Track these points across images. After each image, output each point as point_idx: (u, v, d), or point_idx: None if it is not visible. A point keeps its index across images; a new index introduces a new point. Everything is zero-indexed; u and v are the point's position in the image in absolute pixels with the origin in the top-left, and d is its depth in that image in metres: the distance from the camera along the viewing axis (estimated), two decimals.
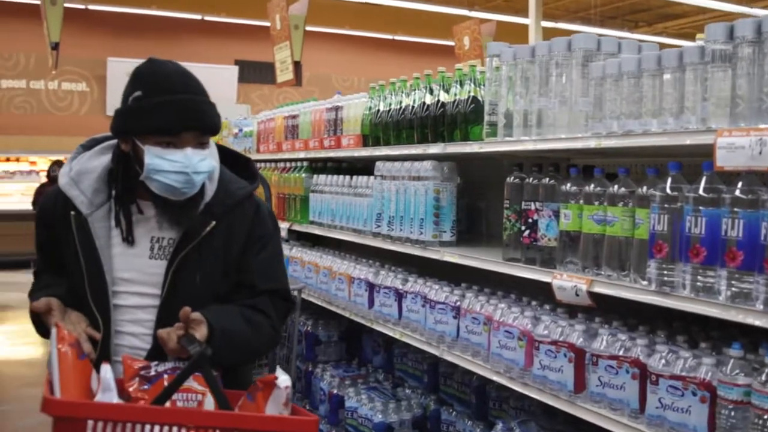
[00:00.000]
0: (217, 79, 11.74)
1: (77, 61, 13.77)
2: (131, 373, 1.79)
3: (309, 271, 4.15)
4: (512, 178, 2.61)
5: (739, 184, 1.81)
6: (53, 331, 1.76)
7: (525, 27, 12.14)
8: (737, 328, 2.12)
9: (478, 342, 2.74)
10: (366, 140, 3.69)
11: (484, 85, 2.87)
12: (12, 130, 13.43)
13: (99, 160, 2.03)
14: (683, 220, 1.93)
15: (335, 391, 3.76)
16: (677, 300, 1.96)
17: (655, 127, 2.08)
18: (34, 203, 9.69)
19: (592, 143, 2.27)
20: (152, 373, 1.80)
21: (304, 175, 4.35)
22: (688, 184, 1.97)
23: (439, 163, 3.07)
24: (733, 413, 1.80)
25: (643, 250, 2.08)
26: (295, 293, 3.08)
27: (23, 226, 11.09)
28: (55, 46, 9.75)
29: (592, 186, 2.28)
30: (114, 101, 14.40)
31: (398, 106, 3.40)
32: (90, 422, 1.56)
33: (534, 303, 2.67)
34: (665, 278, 1.99)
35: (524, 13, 12.31)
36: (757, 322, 1.75)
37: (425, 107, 3.19)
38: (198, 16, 14.47)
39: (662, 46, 2.32)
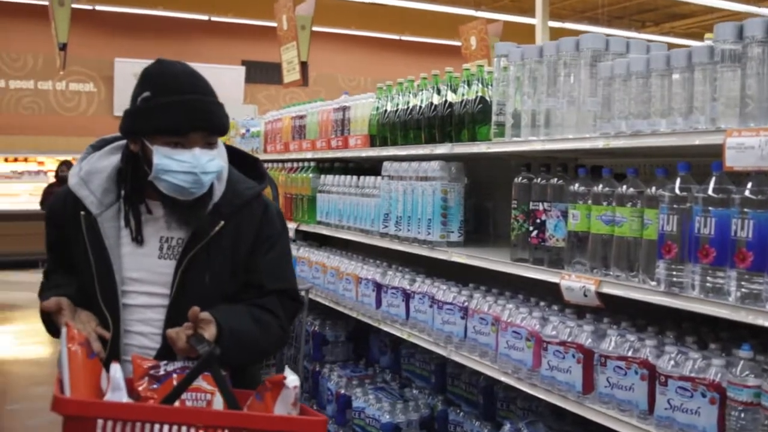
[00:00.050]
0: (224, 80, 11.77)
1: (84, 61, 13.82)
2: (140, 373, 1.80)
3: (316, 272, 4.15)
4: (520, 178, 2.61)
5: (749, 185, 1.80)
6: (63, 330, 1.77)
7: (532, 27, 12.13)
8: (747, 329, 2.11)
9: (485, 342, 2.74)
10: (373, 140, 3.70)
11: (491, 85, 2.87)
12: (20, 131, 13.49)
13: (108, 161, 2.04)
14: (692, 221, 1.92)
15: (343, 392, 3.76)
16: (686, 301, 1.95)
17: (664, 128, 2.07)
18: (41, 203, 9.72)
19: (600, 143, 2.27)
20: (161, 372, 1.81)
21: (311, 175, 4.35)
22: (698, 184, 1.97)
23: (447, 164, 3.07)
24: (742, 415, 1.79)
25: (652, 250, 2.08)
26: (303, 293, 3.08)
27: (31, 226, 11.14)
28: (63, 47, 9.79)
29: (601, 186, 2.27)
30: (121, 101, 14.53)
31: (406, 107, 3.39)
32: (100, 421, 1.57)
33: (542, 303, 2.66)
34: (674, 279, 1.99)
35: (531, 13, 12.30)
36: (767, 323, 1.74)
37: (433, 107, 3.19)
38: (205, 17, 14.51)
39: (670, 45, 2.32)
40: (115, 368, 1.73)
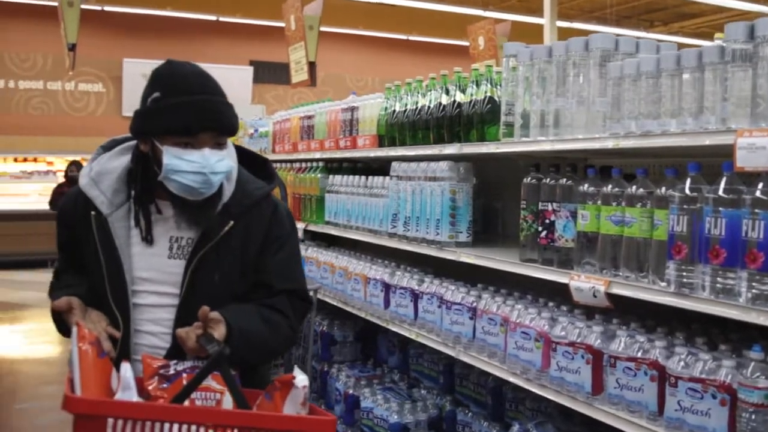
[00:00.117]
0: (232, 80, 11.78)
1: (93, 62, 13.88)
2: (150, 372, 1.81)
3: (325, 272, 4.16)
4: (529, 178, 2.60)
5: (760, 185, 1.79)
6: (74, 329, 1.78)
7: (540, 27, 12.10)
8: (757, 330, 2.10)
9: (494, 343, 2.74)
10: (382, 140, 3.70)
11: (500, 86, 2.87)
12: (29, 131, 13.56)
13: (119, 161, 2.05)
14: (703, 221, 1.91)
15: (351, 392, 3.77)
16: (697, 302, 1.95)
17: (674, 128, 2.06)
18: (51, 203, 9.76)
19: (609, 144, 2.26)
20: (171, 372, 1.82)
21: (319, 175, 4.35)
22: (708, 184, 1.96)
23: (455, 164, 3.07)
24: (753, 416, 1.78)
25: (661, 251, 2.07)
26: (311, 293, 3.08)
27: (40, 225, 11.20)
28: (72, 47, 9.83)
29: (610, 187, 2.27)
30: (130, 102, 14.59)
31: (414, 107, 3.39)
32: (110, 420, 1.58)
33: (551, 304, 2.66)
34: (684, 280, 1.98)
35: (539, 12, 12.27)
36: None
37: (441, 107, 3.19)
38: (213, 17, 14.54)
39: (679, 45, 2.31)
40: (126, 367, 1.74)
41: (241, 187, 2.06)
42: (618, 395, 2.17)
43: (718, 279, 1.88)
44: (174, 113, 1.91)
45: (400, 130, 3.49)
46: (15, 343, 7.73)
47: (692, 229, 1.95)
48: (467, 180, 3.09)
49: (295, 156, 4.83)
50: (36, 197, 12.44)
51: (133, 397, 1.71)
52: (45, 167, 13.36)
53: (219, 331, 1.84)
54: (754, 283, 1.79)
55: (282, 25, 10.08)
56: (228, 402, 1.77)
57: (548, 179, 2.53)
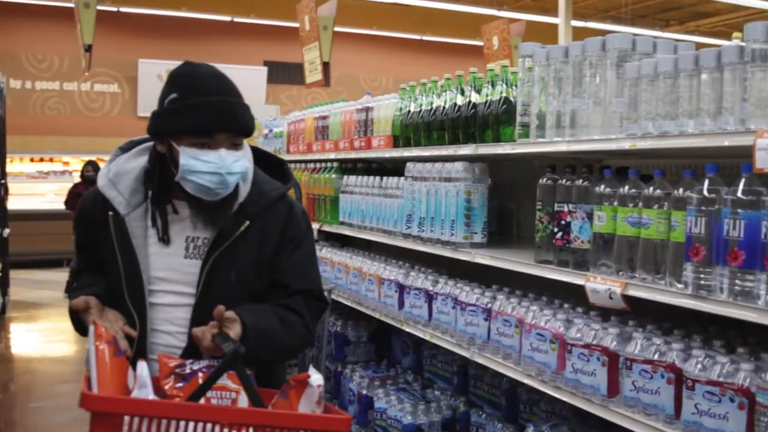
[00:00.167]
0: (247, 80, 11.79)
1: (109, 62, 13.97)
2: (167, 371, 1.81)
3: (339, 272, 4.16)
4: (545, 179, 2.59)
5: None
6: (91, 328, 1.79)
7: (554, 26, 12.06)
8: None
9: (509, 344, 2.73)
10: (396, 141, 3.70)
11: (516, 86, 2.86)
12: (46, 131, 13.67)
13: (136, 162, 2.07)
14: (721, 223, 1.90)
15: (364, 392, 3.77)
16: (714, 304, 1.93)
17: (692, 128, 2.05)
18: (66, 203, 9.82)
19: (626, 144, 2.24)
20: (187, 371, 1.82)
21: (334, 175, 4.36)
22: (726, 186, 1.94)
23: (471, 164, 3.06)
24: None
25: (679, 253, 2.05)
26: (325, 293, 3.09)
27: (56, 225, 11.30)
28: (88, 48, 9.89)
29: (627, 188, 2.25)
30: (145, 102, 14.65)
31: (429, 107, 3.39)
32: (126, 418, 1.59)
33: (566, 306, 2.64)
34: (702, 282, 1.96)
35: (553, 12, 12.23)
36: None
37: (456, 108, 3.18)
38: (227, 18, 14.60)
39: (697, 45, 2.29)
40: (142, 366, 1.75)
41: (257, 188, 2.06)
42: (634, 398, 2.16)
43: (737, 281, 1.86)
44: (191, 114, 1.92)
45: (415, 130, 3.48)
46: (31, 341, 7.79)
47: (710, 230, 1.94)
48: (482, 181, 3.08)
49: (309, 156, 4.84)
50: (52, 197, 12.54)
51: (149, 395, 1.71)
52: (61, 167, 13.47)
53: (234, 330, 1.85)
54: None
55: (296, 25, 10.09)
56: (243, 401, 1.77)
57: (564, 180, 2.51)
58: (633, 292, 2.20)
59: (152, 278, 2.01)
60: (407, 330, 3.46)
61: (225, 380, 1.78)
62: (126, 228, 2.00)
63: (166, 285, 2.02)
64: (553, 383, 2.49)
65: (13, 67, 13.43)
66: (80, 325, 1.98)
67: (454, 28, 14.89)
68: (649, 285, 2.16)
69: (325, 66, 9.22)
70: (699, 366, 1.96)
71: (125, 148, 2.13)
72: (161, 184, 2.02)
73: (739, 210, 1.85)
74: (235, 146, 1.98)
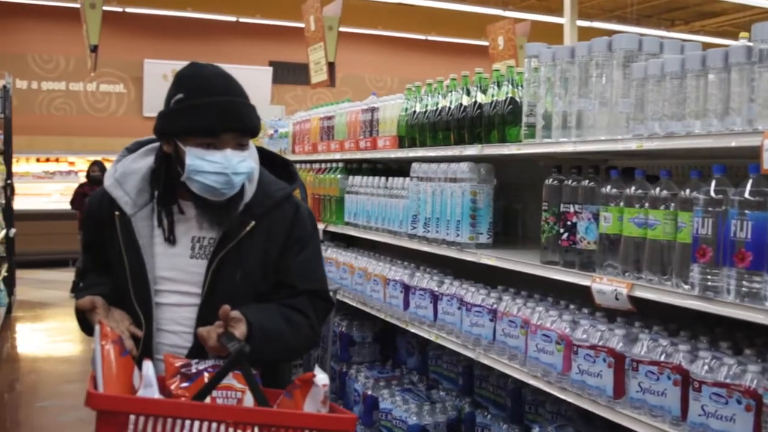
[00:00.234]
0: (252, 80, 11.81)
1: (115, 62, 14.01)
2: (172, 371, 1.82)
3: (344, 272, 4.16)
4: (551, 180, 2.59)
5: None
6: (97, 328, 1.80)
7: (560, 26, 12.04)
8: None
9: (514, 345, 2.72)
10: (402, 141, 3.69)
11: (521, 86, 2.85)
12: (52, 131, 13.72)
13: (143, 162, 2.07)
14: (728, 224, 1.89)
15: (369, 392, 3.76)
16: (721, 306, 1.92)
17: (699, 129, 2.04)
18: (71, 203, 9.84)
19: (633, 145, 2.24)
20: (193, 370, 1.83)
21: (339, 176, 4.36)
22: (734, 187, 1.93)
23: (476, 165, 3.06)
24: None
25: (685, 254, 2.05)
26: (330, 294, 3.09)
27: (62, 225, 11.33)
28: (94, 49, 9.92)
29: (633, 188, 2.25)
30: (150, 102, 14.67)
31: (435, 108, 3.39)
32: (132, 417, 1.59)
33: (572, 306, 2.64)
34: (709, 283, 1.95)
35: (559, 12, 12.21)
36: None
37: (462, 108, 3.18)
38: (233, 18, 14.62)
39: (703, 45, 2.28)
40: (147, 365, 1.75)
41: (262, 188, 2.07)
42: (640, 399, 2.15)
43: (744, 282, 1.86)
44: (197, 114, 1.93)
45: (421, 131, 3.48)
46: (37, 341, 7.82)
47: (717, 231, 1.93)
48: (488, 181, 3.07)
49: (314, 157, 4.84)
50: (58, 197, 12.58)
51: (155, 394, 1.72)
52: (67, 167, 13.51)
53: (240, 330, 1.85)
54: None
55: (301, 25, 10.11)
56: (249, 401, 1.78)
57: (570, 181, 2.51)
58: (639, 293, 2.19)
59: (158, 278, 2.02)
60: (412, 330, 3.46)
61: (230, 380, 1.78)
62: (132, 228, 2.00)
63: (172, 285, 2.03)
64: (558, 384, 2.48)
65: (20, 67, 13.49)
66: (86, 325, 1.98)
67: (459, 28, 14.88)
68: (655, 286, 2.15)
69: (330, 66, 9.23)
70: (706, 367, 1.96)
71: (132, 149, 2.13)
72: (167, 185, 2.02)
73: (746, 211, 1.84)
74: (241, 146, 1.98)
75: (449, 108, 3.27)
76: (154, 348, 2.00)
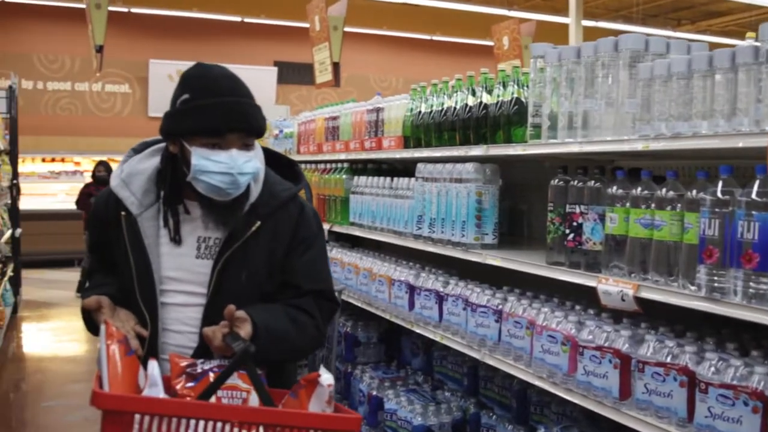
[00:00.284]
0: (256, 80, 11.82)
1: (120, 63, 14.04)
2: (178, 371, 1.82)
3: (349, 273, 4.16)
4: (557, 180, 2.58)
5: None
6: (102, 328, 1.80)
7: (565, 26, 12.03)
8: None
9: (520, 346, 2.72)
10: (407, 142, 3.69)
11: (527, 87, 2.85)
12: (57, 131, 13.76)
13: (149, 162, 2.08)
14: (735, 225, 1.88)
15: (374, 393, 3.76)
16: (728, 307, 1.91)
17: (706, 130, 2.03)
18: (77, 202, 9.87)
19: (639, 146, 2.23)
20: (198, 370, 1.83)
21: (344, 176, 4.36)
22: (740, 187, 1.92)
23: (482, 165, 3.06)
24: None
25: (692, 255, 2.04)
26: (335, 294, 3.10)
27: (67, 225, 11.36)
28: (100, 49, 9.94)
29: (639, 189, 2.24)
30: (155, 102, 14.68)
31: (440, 108, 3.38)
32: (137, 416, 1.59)
33: (578, 307, 2.63)
34: (716, 284, 1.95)
35: (564, 12, 12.20)
36: None
37: (467, 109, 3.17)
38: (238, 18, 14.64)
39: (710, 46, 2.27)
40: (153, 365, 1.75)
41: (268, 188, 2.07)
42: (646, 400, 2.14)
43: (751, 284, 1.85)
44: (202, 114, 1.93)
45: (426, 131, 3.48)
46: (43, 341, 7.84)
47: (724, 232, 1.92)
48: (493, 182, 3.07)
49: (319, 157, 4.84)
50: (63, 197, 12.61)
51: (160, 393, 1.72)
52: (72, 167, 13.54)
53: (245, 330, 1.85)
54: None
55: (306, 25, 10.11)
56: (254, 401, 1.78)
57: (576, 181, 2.50)
58: (646, 294, 2.18)
59: (164, 278, 2.02)
60: (418, 331, 3.45)
61: (236, 380, 1.78)
62: (138, 228, 2.01)
63: (178, 285, 2.03)
64: (564, 385, 2.48)
65: (25, 67, 13.54)
66: (92, 325, 1.99)
67: (464, 28, 14.87)
68: (661, 287, 2.14)
69: (335, 66, 9.22)
70: (712, 369, 1.95)
71: (138, 149, 2.14)
72: (173, 185, 2.03)
73: (753, 212, 1.83)
74: (247, 147, 1.98)
75: (454, 108, 3.27)
76: (159, 348, 2.00)
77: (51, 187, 13.09)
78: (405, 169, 4.18)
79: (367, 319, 4.34)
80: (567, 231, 2.51)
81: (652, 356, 2.14)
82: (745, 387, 1.86)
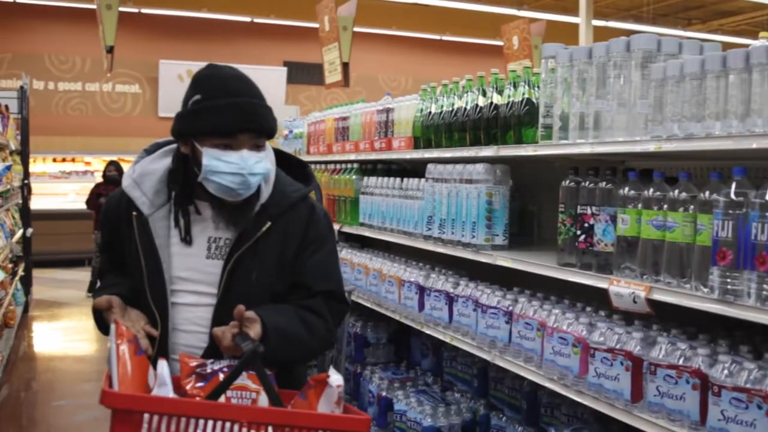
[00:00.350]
0: (266, 81, 11.83)
1: (130, 63, 14.09)
2: (187, 371, 1.82)
3: (359, 273, 4.16)
4: (568, 181, 2.57)
5: None
6: (112, 327, 1.81)
7: (575, 26, 11.98)
8: None
9: (530, 348, 2.70)
10: (417, 142, 3.68)
11: (538, 87, 2.83)
12: (68, 131, 13.83)
13: (161, 163, 2.09)
14: (749, 227, 1.87)
15: (384, 394, 3.76)
16: (742, 309, 1.90)
17: (719, 131, 2.01)
18: (87, 202, 9.91)
19: (651, 147, 2.21)
20: (208, 370, 1.83)
21: (354, 176, 4.35)
22: (754, 189, 1.91)
23: (492, 166, 3.04)
24: None
25: (705, 256, 2.02)
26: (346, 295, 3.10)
27: (78, 225, 11.41)
28: (110, 49, 9.98)
29: (652, 190, 2.22)
30: (165, 102, 14.73)
31: (450, 108, 3.37)
32: (146, 415, 1.59)
33: (589, 309, 2.62)
34: (729, 286, 1.93)
35: (574, 11, 12.15)
36: None
37: (478, 109, 3.16)
38: (247, 19, 14.67)
39: (724, 46, 2.26)
40: (162, 364, 1.75)
41: (278, 189, 2.07)
42: (658, 403, 2.13)
43: (765, 286, 1.83)
44: (213, 115, 1.93)
45: (436, 131, 3.47)
46: (53, 340, 7.88)
47: (737, 234, 1.90)
48: (504, 182, 3.06)
49: (329, 157, 4.84)
50: (74, 197, 12.67)
51: (169, 393, 1.72)
52: (83, 167, 13.61)
53: (254, 330, 1.85)
54: None
55: (316, 25, 10.12)
56: (263, 402, 1.77)
57: (587, 182, 2.49)
58: (658, 296, 2.16)
59: (174, 278, 2.02)
60: (428, 332, 3.45)
61: (245, 380, 1.78)
62: (149, 228, 2.01)
63: (188, 285, 2.03)
64: (575, 387, 2.46)
65: (37, 68, 13.61)
66: (103, 325, 2.00)
67: (474, 28, 14.84)
68: (674, 289, 2.13)
69: (345, 66, 9.23)
70: (725, 372, 1.93)
71: (150, 150, 2.15)
72: (184, 185, 2.03)
73: (767, 214, 1.82)
74: (258, 147, 1.98)
75: (465, 109, 3.26)
76: (169, 348, 2.00)
77: (62, 187, 13.16)
78: (414, 169, 4.17)
79: (376, 320, 4.33)
80: (578, 232, 2.49)
81: (665, 358, 2.13)
82: (759, 390, 1.84)
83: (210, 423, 1.61)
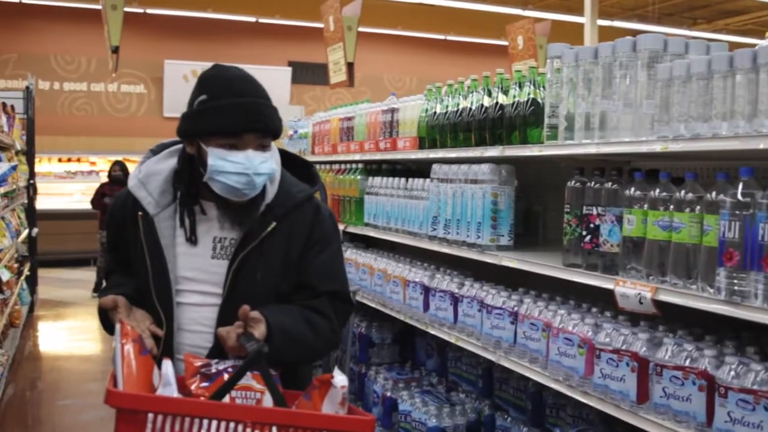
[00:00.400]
0: (271, 81, 11.84)
1: (135, 63, 14.12)
2: (192, 371, 1.82)
3: (363, 273, 4.15)
4: (573, 182, 2.56)
5: None
6: (117, 327, 1.81)
7: (580, 26, 11.96)
8: None
9: (536, 348, 2.70)
10: (422, 142, 3.68)
11: (543, 87, 2.83)
12: (73, 131, 13.86)
13: (166, 163, 2.09)
14: (756, 228, 1.86)
15: (389, 394, 3.75)
16: (748, 310, 1.89)
17: (726, 131, 2.01)
18: (92, 202, 9.92)
19: (657, 147, 2.21)
20: (213, 370, 1.83)
21: (359, 177, 4.35)
22: (761, 189, 1.90)
23: (497, 167, 3.04)
24: None
25: (711, 257, 2.01)
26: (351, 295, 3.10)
27: (84, 225, 11.44)
28: (115, 50, 10.00)
29: (658, 191, 2.21)
30: (170, 102, 14.74)
31: (455, 108, 3.37)
32: (150, 415, 1.59)
33: (594, 310, 2.61)
34: (736, 287, 1.92)
35: (579, 11, 12.13)
36: None
37: (483, 109, 3.16)
38: (252, 19, 14.68)
39: (730, 45, 2.25)
40: (167, 364, 1.75)
41: (284, 189, 2.07)
42: (664, 404, 2.12)
43: None
44: (219, 115, 1.94)
45: (441, 132, 3.46)
46: (59, 340, 7.89)
47: (744, 235, 1.89)
48: (509, 183, 3.05)
49: (334, 157, 4.84)
50: (79, 197, 12.70)
51: (174, 393, 1.72)
52: (88, 167, 13.64)
53: (259, 330, 1.85)
54: None
55: (321, 25, 10.13)
56: (268, 402, 1.77)
57: (593, 183, 2.48)
58: (664, 297, 2.16)
59: (179, 278, 2.02)
60: (432, 332, 3.44)
61: (250, 380, 1.78)
62: (155, 228, 2.02)
63: (193, 285, 2.03)
64: (580, 388, 2.46)
65: (42, 68, 13.65)
66: (109, 325, 2.00)
67: (479, 27, 14.83)
68: (680, 290, 2.12)
69: (350, 66, 9.24)
70: (732, 373, 1.92)
71: (156, 151, 2.15)
72: (190, 185, 2.04)
73: None
74: (263, 147, 1.99)
75: (470, 109, 3.25)
76: (174, 348, 2.00)
77: (67, 186, 13.19)
78: (419, 170, 4.16)
79: (381, 320, 4.33)
80: (584, 233, 2.49)
81: (671, 360, 2.12)
82: (765, 392, 1.83)
83: (214, 423, 1.61)
